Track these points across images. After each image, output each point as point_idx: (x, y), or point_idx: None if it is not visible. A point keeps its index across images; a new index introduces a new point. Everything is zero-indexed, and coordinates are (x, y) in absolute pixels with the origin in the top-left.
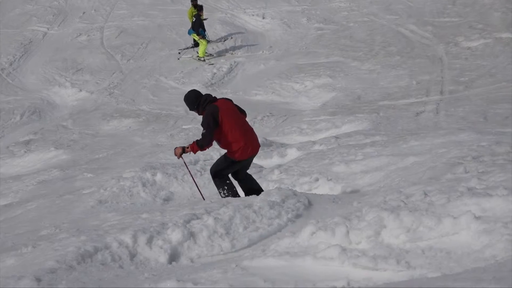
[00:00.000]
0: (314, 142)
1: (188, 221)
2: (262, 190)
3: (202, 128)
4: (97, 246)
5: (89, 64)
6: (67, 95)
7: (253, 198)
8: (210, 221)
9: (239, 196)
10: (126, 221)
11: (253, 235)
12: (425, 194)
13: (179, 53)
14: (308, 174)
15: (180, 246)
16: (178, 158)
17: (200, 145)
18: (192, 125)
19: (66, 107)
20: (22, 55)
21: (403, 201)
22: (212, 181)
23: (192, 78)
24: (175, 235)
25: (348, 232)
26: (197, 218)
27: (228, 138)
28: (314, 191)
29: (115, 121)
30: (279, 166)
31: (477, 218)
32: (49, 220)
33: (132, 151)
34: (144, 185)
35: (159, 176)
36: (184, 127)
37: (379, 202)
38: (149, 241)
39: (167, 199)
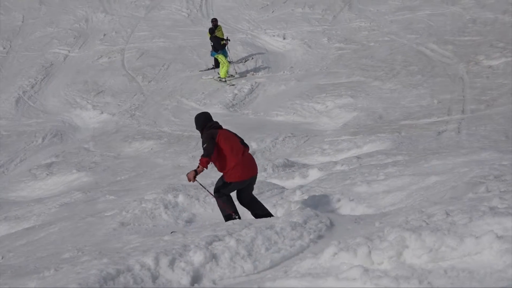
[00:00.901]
0: (335, 163)
1: (210, 243)
2: (271, 215)
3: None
4: (119, 268)
5: (110, 86)
6: (89, 118)
7: (274, 219)
8: (232, 242)
9: (235, 210)
10: (148, 243)
11: (275, 256)
12: (447, 213)
13: (201, 71)
14: (330, 195)
15: (202, 268)
16: (194, 181)
17: (206, 155)
18: None
19: (88, 129)
20: (44, 78)
21: (425, 221)
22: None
23: (214, 99)
24: (197, 257)
25: (370, 252)
26: (219, 240)
27: (220, 160)
28: (336, 212)
29: (137, 143)
30: (301, 186)
31: (500, 237)
32: (71, 243)
33: (154, 173)
34: (166, 207)
35: (181, 198)
36: None
37: (401, 222)
38: (171, 263)
39: (189, 221)
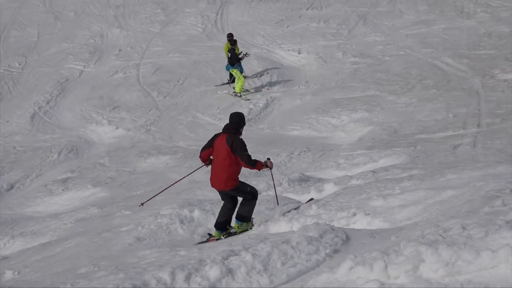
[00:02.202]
0: (351, 177)
1: (226, 258)
2: (225, 223)
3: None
4: (136, 283)
5: (125, 102)
6: (104, 133)
7: (290, 233)
8: (248, 257)
9: (224, 218)
10: (164, 258)
11: (291, 270)
12: (463, 227)
13: (217, 86)
14: (346, 209)
15: (218, 283)
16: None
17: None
18: None
19: (103, 144)
20: (59, 93)
21: (441, 235)
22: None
23: (229, 114)
24: (213, 272)
25: (386, 266)
26: (235, 255)
27: None
28: (351, 226)
29: (152, 158)
30: (316, 201)
31: None
32: (88, 258)
33: (169, 188)
34: (182, 222)
35: (196, 213)
36: None
37: (417, 236)
38: (187, 278)
39: (205, 236)
